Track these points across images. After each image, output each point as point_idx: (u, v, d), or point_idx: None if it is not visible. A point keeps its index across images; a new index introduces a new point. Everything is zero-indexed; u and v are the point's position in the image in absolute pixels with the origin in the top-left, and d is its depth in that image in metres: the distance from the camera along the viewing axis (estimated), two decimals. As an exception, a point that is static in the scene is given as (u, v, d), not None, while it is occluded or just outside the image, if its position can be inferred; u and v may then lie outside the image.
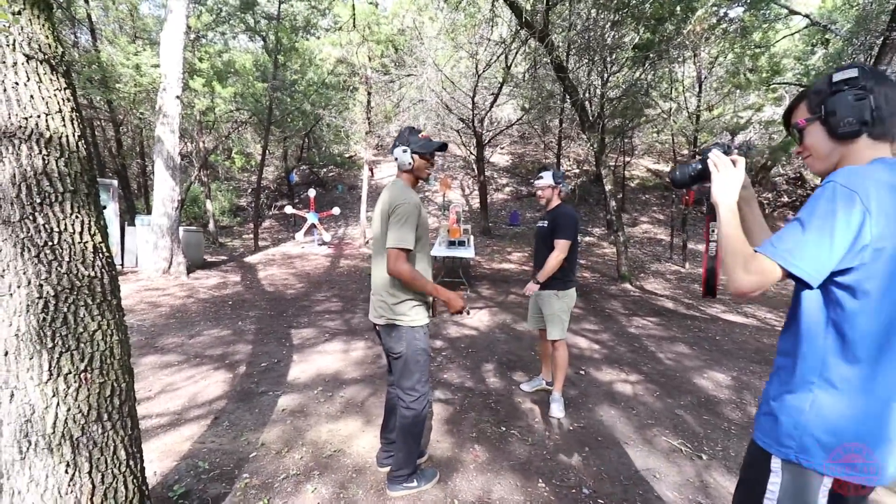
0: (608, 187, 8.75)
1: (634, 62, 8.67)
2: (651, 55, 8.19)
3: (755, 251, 1.03)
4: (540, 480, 2.42)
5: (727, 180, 1.16)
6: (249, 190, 18.19)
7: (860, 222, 0.93)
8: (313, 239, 12.50)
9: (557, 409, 3.20)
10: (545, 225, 3.25)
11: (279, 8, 12.34)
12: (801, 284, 1.01)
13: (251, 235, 13.36)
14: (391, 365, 2.26)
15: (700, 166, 1.26)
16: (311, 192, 12.92)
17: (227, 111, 12.08)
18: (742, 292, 1.02)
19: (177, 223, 8.03)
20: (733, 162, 1.18)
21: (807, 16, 8.48)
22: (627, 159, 15.90)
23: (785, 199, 14.93)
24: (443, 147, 2.21)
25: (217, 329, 5.10)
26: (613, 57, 9.08)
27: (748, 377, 4.18)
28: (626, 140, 13.50)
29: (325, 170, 19.48)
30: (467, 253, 7.55)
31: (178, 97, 7.72)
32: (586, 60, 9.44)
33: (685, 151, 15.03)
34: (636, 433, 3.01)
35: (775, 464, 1.08)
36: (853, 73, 1.03)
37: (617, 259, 9.14)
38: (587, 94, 9.54)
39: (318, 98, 12.96)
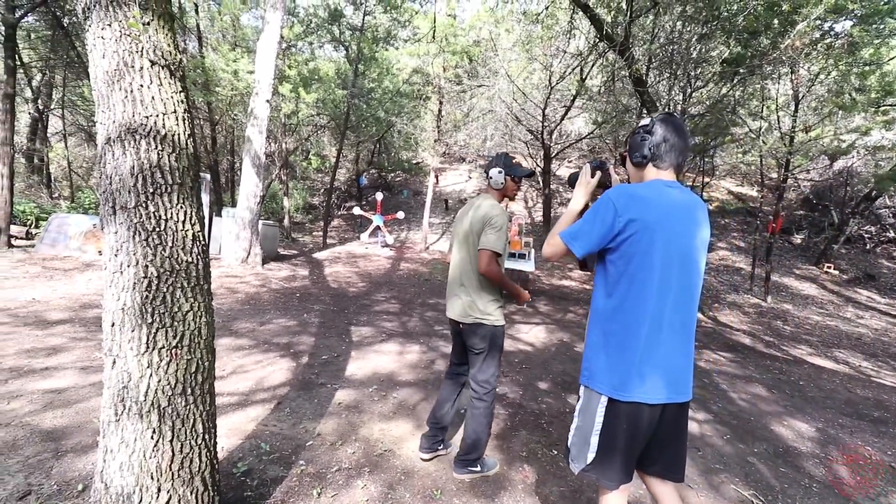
0: (684, 209, 8.24)
1: (722, 77, 8.16)
2: (741, 70, 7.67)
3: (558, 233, 1.56)
4: (591, 511, 2.31)
5: (581, 187, 1.76)
6: (322, 190, 19.18)
7: (612, 219, 1.43)
8: (377, 240, 12.91)
9: None
10: None
11: (363, 20, 12.97)
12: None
13: (320, 233, 14.06)
14: (469, 359, 2.45)
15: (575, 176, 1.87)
16: (379, 196, 13.37)
17: (309, 115, 12.86)
18: (545, 256, 1.62)
19: (257, 217, 8.63)
20: (593, 174, 1.75)
21: (933, 31, 7.52)
22: (707, 180, 14.93)
23: (891, 233, 13.27)
24: (531, 174, 2.50)
25: (285, 319, 5.40)
26: (698, 72, 8.60)
27: (836, 430, 3.75)
28: (706, 159, 12.69)
29: (392, 174, 20.11)
30: (527, 266, 7.44)
31: (267, 101, 8.34)
32: (668, 75, 9.02)
33: (774, 175, 13.85)
34: (701, 477, 2.79)
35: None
36: (647, 121, 1.55)
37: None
38: (667, 110, 9.08)
39: (391, 106, 13.45)
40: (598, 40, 8.15)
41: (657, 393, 1.40)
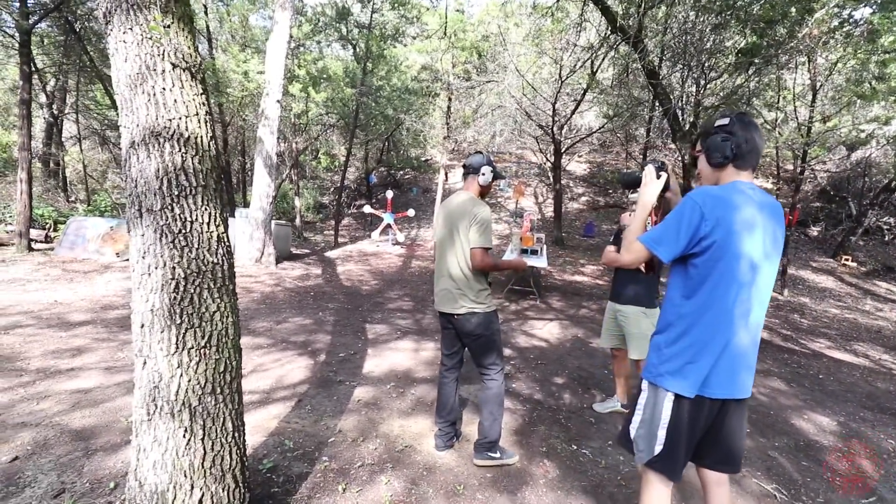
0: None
1: (737, 68, 8.03)
2: (757, 61, 7.54)
3: (638, 239, 1.57)
4: (613, 506, 2.31)
5: (649, 188, 1.73)
6: (332, 189, 19.27)
7: (698, 222, 1.43)
8: (388, 238, 12.95)
9: None
10: None
11: (371, 17, 12.98)
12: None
13: (332, 232, 14.14)
14: (470, 349, 2.52)
15: (639, 175, 1.82)
16: (389, 194, 13.40)
17: (318, 114, 12.91)
18: (624, 264, 1.66)
19: (270, 217, 8.71)
20: (658, 176, 1.74)
21: (956, 15, 7.30)
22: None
23: (913, 224, 12.98)
24: (504, 178, 2.93)
25: (301, 317, 5.45)
26: (712, 62, 8.46)
27: (858, 424, 3.69)
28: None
29: (401, 172, 20.14)
30: (539, 262, 7.41)
31: (278, 101, 8.39)
32: (681, 66, 8.89)
33: (789, 166, 13.61)
34: (723, 471, 2.77)
35: None
36: (725, 121, 1.52)
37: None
38: (680, 102, 8.96)
39: (400, 103, 13.46)
40: (609, 32, 8.06)
41: (725, 389, 1.47)
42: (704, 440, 1.55)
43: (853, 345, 6.51)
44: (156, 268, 1.60)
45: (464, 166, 2.57)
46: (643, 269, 2.88)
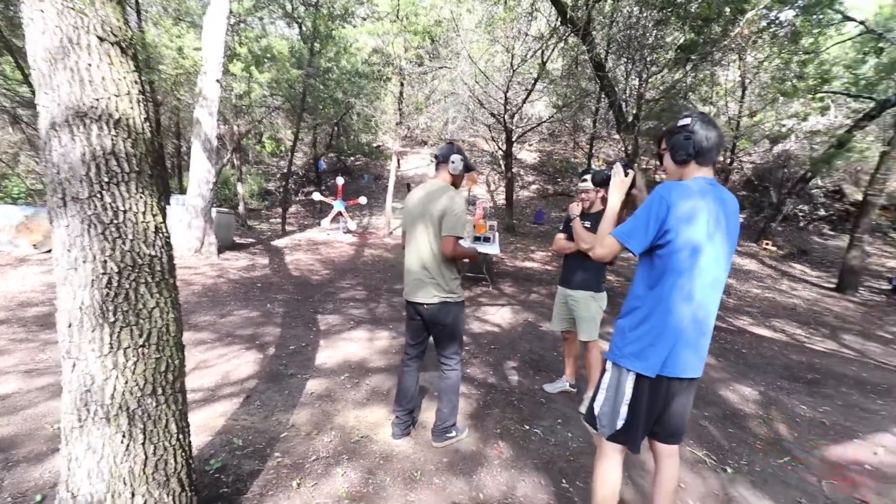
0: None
1: (676, 63, 8.45)
2: (694, 57, 7.97)
3: (610, 234, 1.67)
4: (563, 481, 2.42)
5: (618, 185, 1.86)
6: (278, 175, 18.49)
7: (665, 214, 1.52)
8: (339, 226, 12.65)
9: None
10: (588, 225, 3.17)
11: (318, -6, 12.41)
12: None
13: (278, 220, 13.60)
14: (435, 337, 2.56)
15: (608, 174, 1.93)
16: (340, 180, 13.05)
17: (262, 96, 12.26)
18: (597, 257, 1.75)
19: (210, 204, 8.23)
20: (626, 174, 1.86)
21: (861, 22, 8.10)
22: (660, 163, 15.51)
23: (822, 212, 14.38)
24: (474, 168, 2.80)
25: (247, 310, 5.23)
26: (654, 57, 8.85)
27: (776, 393, 4.08)
28: (658, 153, 13.16)
29: (352, 158, 19.64)
30: (492, 249, 7.53)
31: (217, 81, 7.88)
32: (625, 59, 9.24)
33: (720, 158, 14.59)
34: (661, 443, 2.97)
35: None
36: (687, 121, 1.62)
37: (643, 264, 8.97)
38: (624, 95, 9.33)
39: (350, 87, 13.03)
40: (559, 23, 8.21)
41: (680, 370, 1.60)
42: (660, 416, 1.69)
43: (772, 321, 7.15)
44: (84, 262, 1.46)
45: (434, 156, 2.57)
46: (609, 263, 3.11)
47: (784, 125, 10.29)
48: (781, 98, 9.96)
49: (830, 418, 3.58)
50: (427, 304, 2.45)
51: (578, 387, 3.61)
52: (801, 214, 14.33)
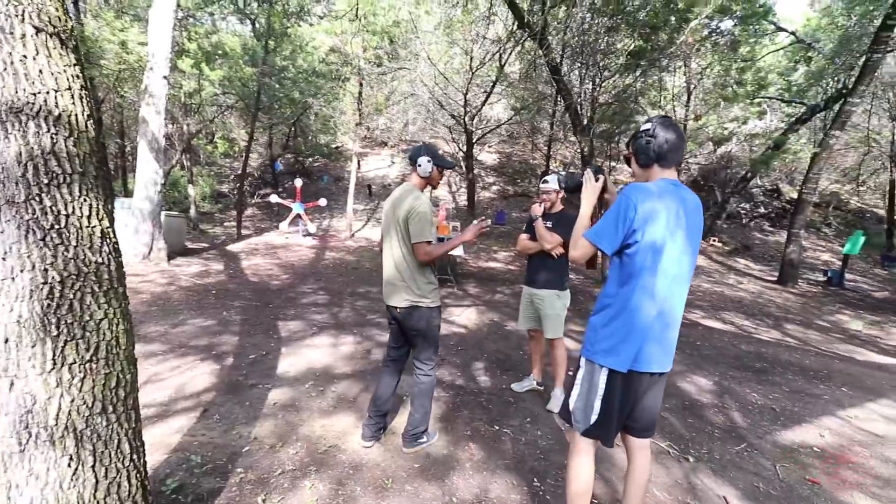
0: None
1: (626, 69, 8.79)
2: (643, 63, 8.32)
3: (583, 235, 1.71)
4: (535, 480, 2.44)
5: (589, 190, 1.90)
6: (232, 176, 17.79)
7: (633, 215, 1.56)
8: (297, 229, 12.31)
9: (557, 405, 3.22)
10: (549, 225, 3.24)
11: (272, -9, 12.04)
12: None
13: (233, 223, 13.07)
14: (411, 341, 2.57)
15: (580, 180, 1.98)
16: (298, 182, 12.71)
17: (213, 94, 11.76)
18: (573, 259, 1.79)
19: (159, 207, 7.80)
20: (597, 179, 1.90)
21: (792, 33, 8.74)
22: (613, 164, 16.13)
23: (762, 210, 15.39)
24: (453, 167, 2.76)
25: (201, 319, 4.98)
26: (606, 62, 9.18)
27: (728, 382, 4.30)
28: (613, 145, 13.71)
29: (310, 159, 19.18)
30: (456, 251, 7.55)
31: (165, 77, 7.49)
32: (579, 64, 9.53)
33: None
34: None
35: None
36: (648, 126, 1.68)
37: (602, 262, 9.27)
38: (580, 98, 9.63)
39: (307, 86, 12.72)
40: (516, 27, 8.35)
41: (650, 364, 1.65)
42: (632, 410, 1.74)
43: (721, 314, 7.58)
44: (21, 271, 1.33)
45: (409, 159, 2.55)
46: (554, 254, 3.17)
47: (726, 128, 10.94)
48: (723, 103, 10.59)
49: (779, 404, 3.82)
50: (399, 308, 2.45)
51: (545, 384, 3.67)
52: (743, 212, 15.28)
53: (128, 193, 11.83)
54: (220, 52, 11.33)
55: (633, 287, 1.62)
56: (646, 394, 1.73)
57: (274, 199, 12.77)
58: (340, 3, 11.57)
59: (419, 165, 2.46)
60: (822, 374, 4.78)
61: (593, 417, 1.70)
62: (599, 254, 1.83)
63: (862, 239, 10.51)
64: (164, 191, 9.18)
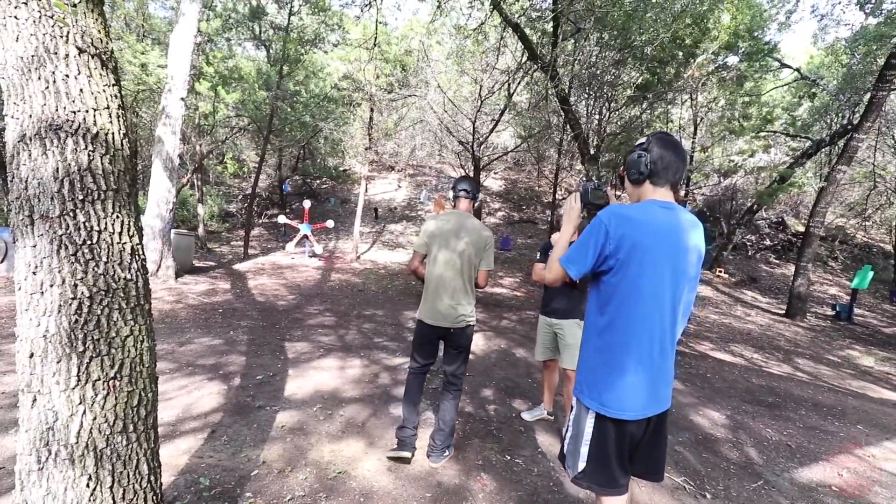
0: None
1: (633, 101, 8.96)
2: (650, 96, 8.49)
3: (558, 260, 1.58)
4: (550, 514, 2.37)
5: (569, 214, 1.78)
6: (240, 196, 17.99)
7: (603, 240, 1.45)
8: (304, 250, 12.36)
9: None
10: None
11: (289, 20, 12.47)
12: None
13: (240, 242, 13.15)
14: (451, 358, 2.74)
15: (604, 192, 1.84)
16: (307, 203, 12.83)
17: (226, 116, 12.03)
18: (548, 283, 1.67)
19: (170, 225, 7.87)
20: (586, 199, 1.76)
21: (797, 69, 8.93)
22: (618, 193, 16.24)
23: (767, 242, 15.38)
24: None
25: (208, 338, 4.95)
26: (614, 94, 9.37)
27: (742, 416, 4.21)
28: (619, 176, 13.81)
29: (318, 181, 19.42)
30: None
31: (182, 99, 7.67)
32: (586, 96, 9.73)
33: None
34: (641, 469, 2.98)
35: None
36: (644, 139, 1.56)
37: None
38: (588, 128, 9.79)
39: (318, 110, 13.02)
40: (525, 59, 8.57)
41: (641, 408, 1.46)
42: (632, 456, 1.56)
43: (730, 346, 7.47)
44: (51, 285, 1.34)
45: (464, 190, 2.78)
46: (571, 286, 3.12)
47: (732, 160, 11.07)
48: (729, 135, 10.73)
49: (795, 441, 3.72)
50: (454, 329, 2.63)
51: (555, 415, 3.60)
52: (749, 244, 15.26)
53: (141, 210, 11.96)
54: (235, 76, 11.65)
55: (614, 317, 1.48)
56: (644, 436, 1.54)
57: (282, 219, 12.87)
58: (354, 31, 11.93)
59: (475, 197, 2.79)
60: (837, 410, 4.67)
61: (580, 464, 1.52)
62: None
63: (871, 273, 10.45)
64: (175, 209, 9.28)
